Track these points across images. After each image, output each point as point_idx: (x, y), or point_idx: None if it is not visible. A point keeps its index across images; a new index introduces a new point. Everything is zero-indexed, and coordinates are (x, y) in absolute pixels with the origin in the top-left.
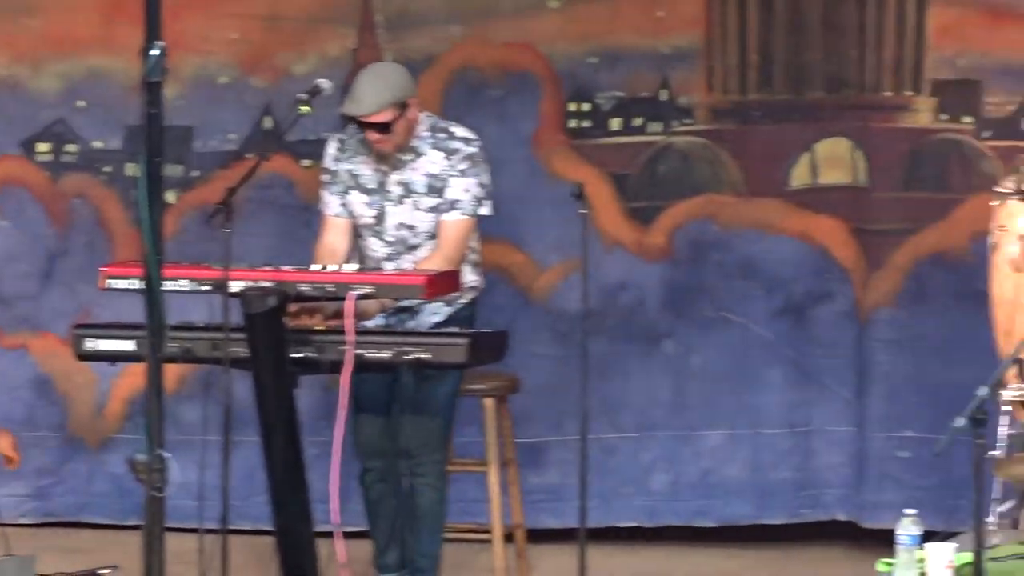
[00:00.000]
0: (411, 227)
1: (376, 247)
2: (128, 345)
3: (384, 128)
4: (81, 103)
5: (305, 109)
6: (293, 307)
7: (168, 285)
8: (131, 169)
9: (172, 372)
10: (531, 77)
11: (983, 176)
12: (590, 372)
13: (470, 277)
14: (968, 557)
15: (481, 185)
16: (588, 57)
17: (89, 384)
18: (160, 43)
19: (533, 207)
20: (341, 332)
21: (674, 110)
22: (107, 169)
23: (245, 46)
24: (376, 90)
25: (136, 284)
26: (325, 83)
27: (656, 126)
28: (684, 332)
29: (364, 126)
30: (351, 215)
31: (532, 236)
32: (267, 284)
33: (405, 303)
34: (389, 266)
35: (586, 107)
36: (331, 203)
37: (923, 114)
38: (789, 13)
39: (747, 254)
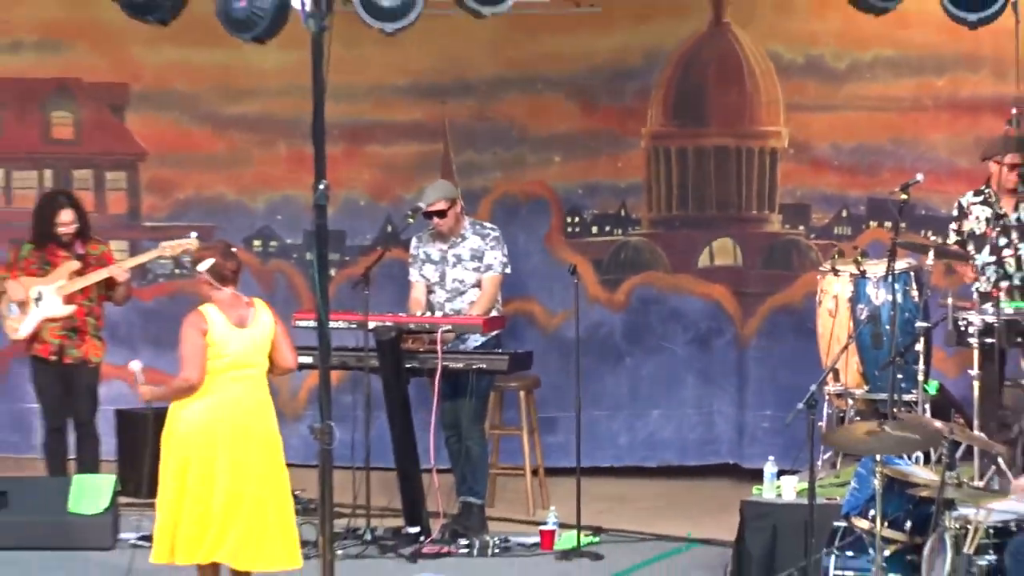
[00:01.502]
0: (462, 281)
1: (441, 296)
2: (309, 359)
3: (441, 215)
4: (279, 217)
5: (411, 220)
6: (406, 337)
7: (331, 324)
8: (309, 256)
9: (335, 375)
10: (544, 201)
11: (811, 261)
12: (582, 377)
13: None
14: (804, 485)
15: (504, 255)
16: (578, 189)
17: (286, 381)
18: (324, 181)
19: (546, 279)
20: (434, 352)
21: (629, 221)
22: (295, 255)
23: (374, 183)
24: (434, 192)
25: (312, 324)
26: (423, 204)
27: (619, 231)
28: (637, 353)
29: (429, 215)
30: (426, 279)
31: (545, 296)
32: (390, 324)
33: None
34: (450, 307)
35: (577, 219)
36: (413, 273)
37: (775, 224)
38: (696, 166)
39: (673, 307)
